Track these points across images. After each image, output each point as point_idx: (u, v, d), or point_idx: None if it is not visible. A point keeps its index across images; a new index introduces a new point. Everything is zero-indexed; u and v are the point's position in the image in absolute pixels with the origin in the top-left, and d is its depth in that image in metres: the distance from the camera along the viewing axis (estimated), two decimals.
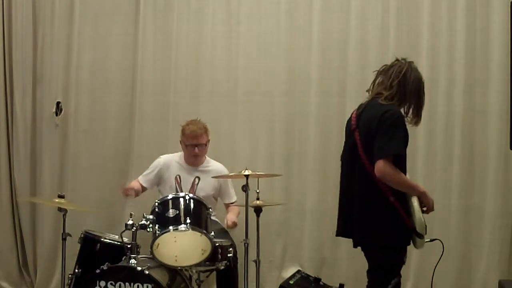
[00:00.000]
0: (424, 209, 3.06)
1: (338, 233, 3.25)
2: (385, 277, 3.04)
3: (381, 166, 2.93)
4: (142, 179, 4.35)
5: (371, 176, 2.98)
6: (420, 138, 4.64)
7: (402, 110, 3.12)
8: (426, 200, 3.06)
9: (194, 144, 4.24)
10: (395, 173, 2.95)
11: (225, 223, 4.14)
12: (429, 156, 4.64)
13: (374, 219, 3.01)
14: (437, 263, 3.29)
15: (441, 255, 3.27)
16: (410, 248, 3.13)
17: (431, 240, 3.13)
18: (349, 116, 3.27)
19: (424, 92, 3.18)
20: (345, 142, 3.27)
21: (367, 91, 3.25)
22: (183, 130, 4.28)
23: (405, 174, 3.07)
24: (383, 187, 2.97)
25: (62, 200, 3.92)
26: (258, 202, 3.87)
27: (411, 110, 3.14)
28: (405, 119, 3.10)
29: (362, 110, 3.16)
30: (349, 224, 3.13)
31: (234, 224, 4.13)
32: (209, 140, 4.34)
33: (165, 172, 4.33)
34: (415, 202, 3.00)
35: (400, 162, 3.01)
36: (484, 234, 4.59)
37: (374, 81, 3.20)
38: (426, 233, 3.01)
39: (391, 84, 3.10)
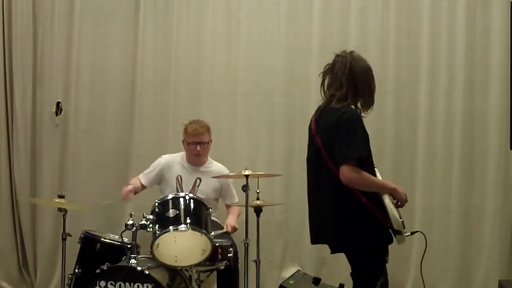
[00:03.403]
0: (399, 203, 3.02)
1: (313, 241, 3.17)
2: (369, 279, 3.02)
3: (345, 172, 2.89)
4: (142, 178, 4.34)
5: (339, 180, 2.92)
6: (420, 138, 4.64)
7: (359, 103, 3.06)
8: (398, 195, 3.01)
9: (196, 142, 4.23)
10: (360, 177, 2.91)
11: (225, 227, 4.14)
12: (429, 156, 4.64)
13: (350, 223, 2.96)
14: (423, 256, 3.26)
15: (425, 248, 3.24)
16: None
17: (412, 233, 3.11)
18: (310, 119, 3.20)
19: (373, 78, 3.11)
20: (308, 147, 3.21)
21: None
22: (186, 128, 4.28)
23: (374, 172, 3.04)
24: (354, 190, 2.93)
25: (62, 200, 3.93)
26: (258, 202, 3.87)
27: (365, 100, 3.08)
28: (362, 113, 3.05)
29: (319, 115, 3.11)
30: (321, 230, 3.08)
31: (234, 229, 4.13)
32: (211, 140, 4.33)
33: (166, 172, 4.32)
34: (386, 199, 2.96)
35: (366, 163, 2.97)
36: (484, 234, 4.59)
37: (322, 83, 3.13)
38: (404, 228, 2.98)
39: (341, 82, 3.03)
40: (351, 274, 3.10)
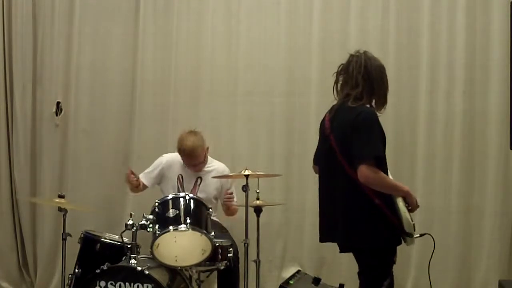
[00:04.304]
0: (409, 208, 3.03)
1: (322, 239, 3.18)
2: (376, 278, 3.03)
3: (364, 172, 2.89)
4: (143, 177, 4.34)
5: (353, 180, 2.94)
6: (420, 139, 4.64)
7: (373, 102, 3.08)
8: (410, 199, 3.03)
9: (191, 164, 4.23)
10: (378, 177, 2.93)
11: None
12: (429, 156, 4.64)
13: (362, 223, 2.98)
14: (431, 258, 3.27)
15: (433, 250, 3.26)
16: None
17: (421, 235, 3.12)
18: (323, 118, 3.22)
19: (387, 77, 3.13)
20: (320, 145, 3.22)
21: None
22: (179, 148, 4.21)
23: (387, 174, 3.04)
24: (367, 190, 2.94)
25: (62, 200, 3.93)
26: (258, 202, 3.87)
27: (380, 99, 3.10)
28: (377, 112, 3.06)
29: (334, 114, 3.11)
30: (332, 229, 3.09)
31: (230, 195, 4.17)
32: (207, 148, 4.32)
33: (167, 171, 4.33)
34: (400, 202, 2.97)
35: (380, 163, 2.98)
36: (484, 234, 4.58)
37: (336, 83, 3.14)
38: (415, 231, 3.00)
39: (356, 81, 3.05)
40: (358, 273, 3.10)
